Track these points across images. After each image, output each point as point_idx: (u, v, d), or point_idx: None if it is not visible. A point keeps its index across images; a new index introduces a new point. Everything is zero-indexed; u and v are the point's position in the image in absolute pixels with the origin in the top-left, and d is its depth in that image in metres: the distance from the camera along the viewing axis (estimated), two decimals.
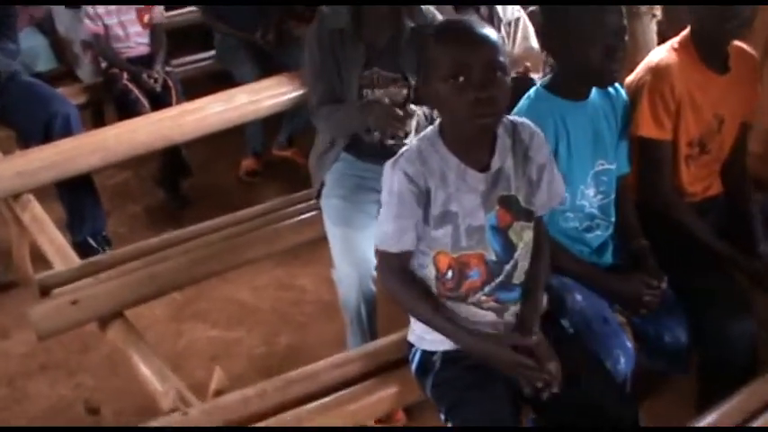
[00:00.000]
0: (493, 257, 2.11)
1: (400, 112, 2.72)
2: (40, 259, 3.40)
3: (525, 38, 3.34)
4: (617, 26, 2.28)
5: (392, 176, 2.04)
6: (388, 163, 2.08)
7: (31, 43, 4.77)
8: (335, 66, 2.91)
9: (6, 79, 3.85)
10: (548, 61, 2.60)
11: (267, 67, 4.43)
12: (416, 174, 2.02)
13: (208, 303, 3.54)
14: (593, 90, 2.45)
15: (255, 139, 4.56)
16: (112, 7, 4.35)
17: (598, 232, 2.55)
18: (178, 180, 4.43)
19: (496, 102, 1.92)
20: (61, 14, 5.01)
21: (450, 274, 2.12)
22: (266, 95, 4.00)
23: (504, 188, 2.10)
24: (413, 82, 2.90)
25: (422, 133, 2.13)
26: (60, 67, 5.13)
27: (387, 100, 2.87)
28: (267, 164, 4.70)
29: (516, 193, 2.12)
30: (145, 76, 4.25)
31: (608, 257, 2.58)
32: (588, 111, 2.45)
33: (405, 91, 2.93)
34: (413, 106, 2.83)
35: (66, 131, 3.76)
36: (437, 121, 2.10)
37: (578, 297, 2.41)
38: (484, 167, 2.07)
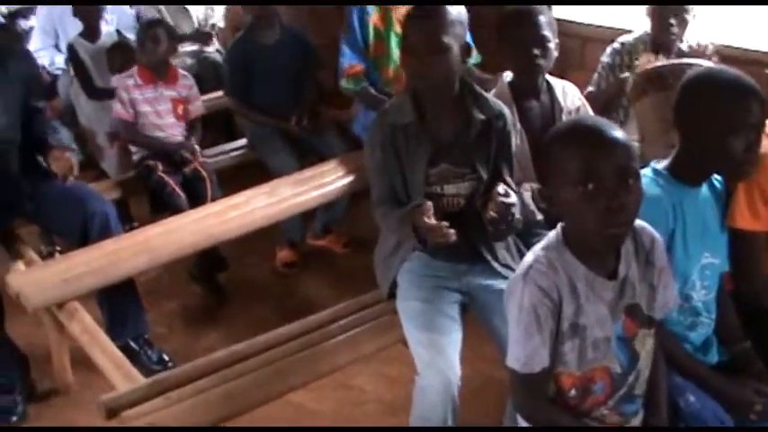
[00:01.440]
0: (618, 369, 2.00)
1: (442, 224, 2.56)
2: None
3: None
4: (760, 116, 2.17)
5: (523, 290, 1.92)
6: (518, 275, 1.95)
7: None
8: (398, 163, 2.79)
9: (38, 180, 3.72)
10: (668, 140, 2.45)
11: (303, 155, 4.34)
12: (549, 286, 1.90)
13: (265, 408, 3.36)
14: None
15: (293, 228, 4.40)
16: (148, 94, 4.26)
17: (701, 330, 2.42)
18: (214, 274, 4.27)
19: (628, 210, 1.82)
20: (83, 105, 4.91)
21: (573, 392, 2.00)
22: (310, 186, 3.90)
23: (630, 296, 1.99)
24: (484, 176, 2.79)
25: (545, 241, 2.00)
26: (84, 159, 5.00)
27: (454, 194, 2.78)
28: (303, 254, 4.55)
29: (639, 300, 2.01)
30: (187, 155, 4.15)
31: (713, 356, 2.45)
32: (699, 199, 2.34)
33: (476, 185, 2.81)
34: (510, 197, 2.66)
35: (105, 231, 3.62)
36: (559, 227, 1.98)
37: (691, 398, 2.27)
38: (611, 275, 1.95)
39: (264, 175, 4.23)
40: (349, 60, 4.05)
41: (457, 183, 2.81)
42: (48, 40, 5.42)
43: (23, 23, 6.16)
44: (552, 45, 3.07)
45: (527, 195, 2.96)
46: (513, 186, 2.79)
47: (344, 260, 4.50)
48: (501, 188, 2.64)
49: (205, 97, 5.05)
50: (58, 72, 5.29)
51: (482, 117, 2.77)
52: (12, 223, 3.82)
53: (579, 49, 4.61)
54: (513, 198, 2.66)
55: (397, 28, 3.97)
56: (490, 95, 2.86)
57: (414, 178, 2.78)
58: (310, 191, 3.88)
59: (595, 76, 3.82)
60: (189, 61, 5.83)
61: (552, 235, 2.00)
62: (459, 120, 2.79)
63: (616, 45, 3.81)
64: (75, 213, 3.65)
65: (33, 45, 5.43)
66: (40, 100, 3.89)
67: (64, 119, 4.96)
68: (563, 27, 3.42)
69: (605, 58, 3.81)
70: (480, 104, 2.79)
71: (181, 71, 4.43)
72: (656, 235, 2.05)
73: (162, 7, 5.88)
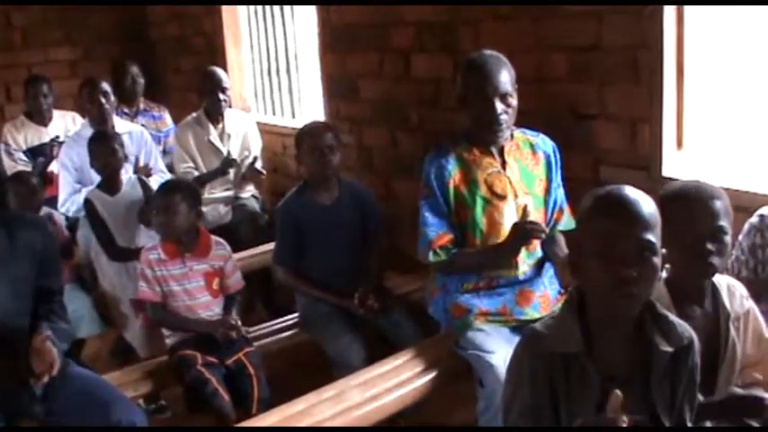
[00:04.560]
0: None
1: None
2: None
3: (759, 335, 2.52)
4: None
5: None
6: None
7: (73, 305, 3.88)
8: (550, 400, 2.06)
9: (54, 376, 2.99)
10: None
11: (369, 341, 3.62)
12: None
13: None
14: None
15: None
16: (175, 270, 3.57)
17: None
18: None
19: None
20: (104, 266, 4.27)
21: None
22: (384, 389, 3.16)
23: None
24: (666, 424, 2.05)
25: None
26: (106, 330, 4.31)
27: None
28: None
29: None
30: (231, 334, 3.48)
31: None
32: None
33: None
34: None
35: None
36: None
37: None
38: None
39: (320, 362, 3.60)
40: (436, 230, 3.31)
41: None
42: (72, 183, 4.80)
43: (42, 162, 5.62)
44: (729, 239, 2.37)
45: None
46: None
47: None
48: None
49: (239, 255, 4.37)
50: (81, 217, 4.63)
51: (669, 349, 2.04)
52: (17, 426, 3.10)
53: None
54: None
55: (484, 190, 3.28)
56: (676, 318, 2.13)
57: (572, 421, 2.03)
58: (385, 394, 3.15)
59: (732, 259, 3.05)
60: (222, 209, 5.23)
61: None
62: (638, 351, 2.05)
63: (754, 220, 3.06)
64: (95, 421, 2.97)
65: (62, 192, 4.85)
66: (52, 280, 3.19)
67: (85, 283, 4.33)
68: None
69: (743, 240, 3.06)
70: (666, 331, 2.06)
71: (214, 238, 3.73)
72: None
73: (194, 147, 5.26)
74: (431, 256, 3.31)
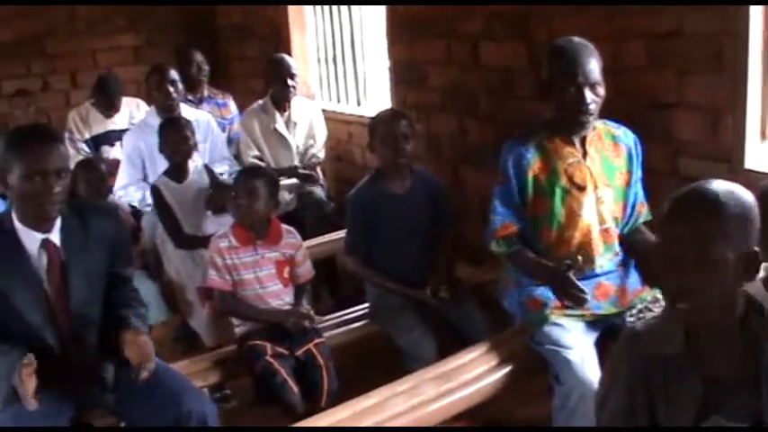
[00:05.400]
0: None
1: None
2: None
3: None
4: None
5: None
6: None
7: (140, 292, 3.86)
8: (648, 410, 1.97)
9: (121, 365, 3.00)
10: None
11: (440, 333, 3.55)
12: None
13: None
14: None
15: None
16: (246, 258, 3.52)
17: None
18: None
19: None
20: (170, 254, 4.24)
21: None
22: (459, 382, 3.10)
23: None
24: None
25: None
26: (171, 317, 4.29)
27: None
28: None
29: None
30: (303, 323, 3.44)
31: None
32: None
33: None
34: None
35: None
36: None
37: None
38: None
39: (389, 354, 3.54)
40: (502, 219, 3.24)
41: None
42: (135, 174, 4.77)
43: (108, 151, 5.61)
44: None
45: None
46: None
47: None
48: None
49: (304, 244, 4.32)
50: (148, 208, 4.61)
51: None
52: (87, 416, 3.08)
53: None
54: None
55: (564, 180, 3.18)
56: None
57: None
58: (460, 388, 3.08)
59: None
60: (288, 197, 5.16)
61: None
62: (743, 353, 1.95)
63: None
64: (166, 411, 2.94)
65: (120, 180, 4.78)
66: (126, 267, 3.17)
67: (151, 270, 4.31)
68: None
69: None
70: None
71: (285, 227, 3.68)
72: None
73: (259, 135, 5.22)
74: (493, 245, 3.27)
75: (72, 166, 3.27)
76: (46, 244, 2.89)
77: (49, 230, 2.89)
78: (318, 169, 5.47)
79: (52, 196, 2.77)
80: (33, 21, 7.60)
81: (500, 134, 4.10)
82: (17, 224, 2.87)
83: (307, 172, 5.29)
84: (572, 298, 3.00)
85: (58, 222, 2.91)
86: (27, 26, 7.60)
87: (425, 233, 3.79)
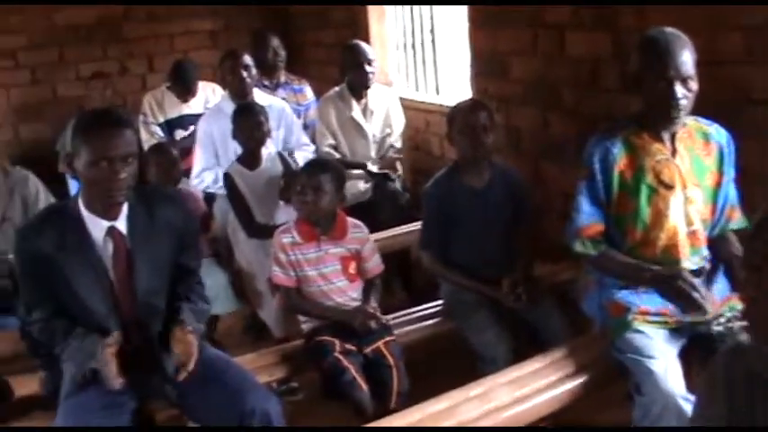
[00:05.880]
0: None
1: None
2: None
3: None
4: None
5: None
6: None
7: (210, 280, 3.73)
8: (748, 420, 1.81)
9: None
10: None
11: (515, 334, 3.42)
12: None
13: None
14: None
15: None
16: (310, 254, 3.42)
17: None
18: None
19: None
20: (241, 243, 4.17)
21: None
22: (534, 389, 2.97)
23: None
24: None
25: None
26: (241, 307, 4.23)
27: None
28: None
29: None
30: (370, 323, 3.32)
31: None
32: None
33: None
34: None
35: None
36: None
37: None
38: None
39: (462, 353, 3.42)
40: (588, 218, 3.08)
41: None
42: (209, 158, 4.71)
43: (181, 135, 5.59)
44: None
45: None
46: None
47: None
48: None
49: (378, 236, 4.21)
50: (221, 191, 4.54)
51: None
52: (149, 408, 3.05)
53: None
54: None
55: (650, 178, 3.01)
56: None
57: None
58: (535, 395, 2.94)
59: None
60: (362, 186, 5.05)
61: None
62: None
63: None
64: (229, 408, 2.86)
65: (196, 166, 4.76)
66: (192, 258, 3.09)
67: (221, 259, 4.25)
68: None
69: None
70: None
71: (351, 220, 3.55)
72: None
73: (335, 124, 5.11)
74: (577, 245, 3.10)
75: (145, 148, 3.20)
76: (112, 232, 2.83)
77: (115, 218, 2.83)
78: (398, 163, 5.33)
79: (118, 182, 2.71)
80: (111, 5, 7.62)
81: (583, 128, 3.93)
82: (83, 211, 2.82)
83: (382, 171, 5.15)
84: (691, 303, 2.84)
85: (125, 210, 2.85)
86: (105, 10, 7.63)
87: (503, 229, 3.66)
